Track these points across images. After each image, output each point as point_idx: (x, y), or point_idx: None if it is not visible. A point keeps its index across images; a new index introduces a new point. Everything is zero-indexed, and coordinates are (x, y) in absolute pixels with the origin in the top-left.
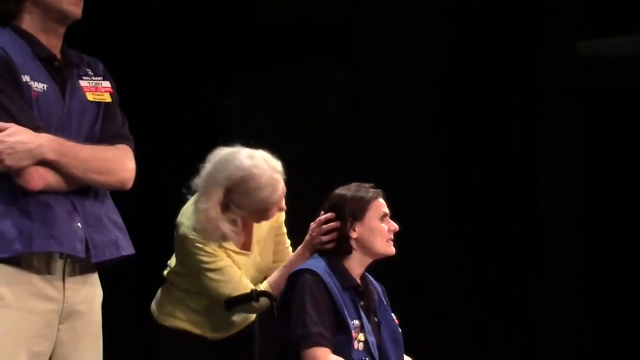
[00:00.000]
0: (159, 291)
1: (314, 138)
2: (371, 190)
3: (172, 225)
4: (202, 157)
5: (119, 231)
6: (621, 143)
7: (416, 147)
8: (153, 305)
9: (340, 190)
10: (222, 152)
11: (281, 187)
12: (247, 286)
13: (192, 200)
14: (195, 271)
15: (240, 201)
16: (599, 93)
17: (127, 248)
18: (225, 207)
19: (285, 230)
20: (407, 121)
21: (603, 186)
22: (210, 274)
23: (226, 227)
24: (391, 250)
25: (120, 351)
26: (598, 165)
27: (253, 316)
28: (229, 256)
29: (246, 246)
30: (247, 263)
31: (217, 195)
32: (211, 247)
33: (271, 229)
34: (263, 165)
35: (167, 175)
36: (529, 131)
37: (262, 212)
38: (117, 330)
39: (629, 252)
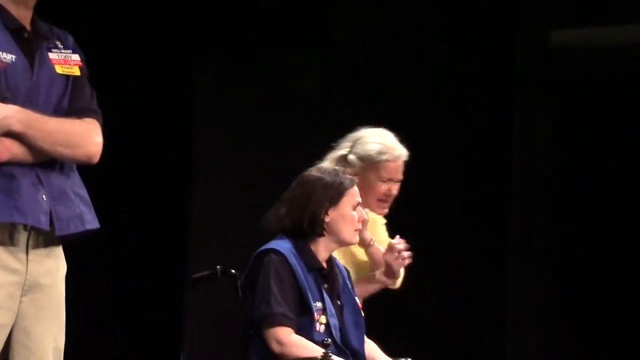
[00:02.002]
0: None
1: (288, 121)
2: (348, 177)
3: (137, 201)
4: (173, 138)
5: (84, 205)
6: (593, 134)
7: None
8: None
9: (317, 172)
10: None
11: (395, 155)
12: None
13: None
14: None
15: (357, 149)
16: (572, 85)
17: (91, 222)
18: (343, 158)
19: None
20: (382, 105)
21: (574, 178)
22: None
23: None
24: (356, 239)
25: (84, 325)
26: (569, 156)
27: None
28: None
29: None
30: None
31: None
32: None
33: None
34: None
35: (135, 152)
36: (501, 122)
37: (372, 169)
38: (81, 305)
39: (600, 245)
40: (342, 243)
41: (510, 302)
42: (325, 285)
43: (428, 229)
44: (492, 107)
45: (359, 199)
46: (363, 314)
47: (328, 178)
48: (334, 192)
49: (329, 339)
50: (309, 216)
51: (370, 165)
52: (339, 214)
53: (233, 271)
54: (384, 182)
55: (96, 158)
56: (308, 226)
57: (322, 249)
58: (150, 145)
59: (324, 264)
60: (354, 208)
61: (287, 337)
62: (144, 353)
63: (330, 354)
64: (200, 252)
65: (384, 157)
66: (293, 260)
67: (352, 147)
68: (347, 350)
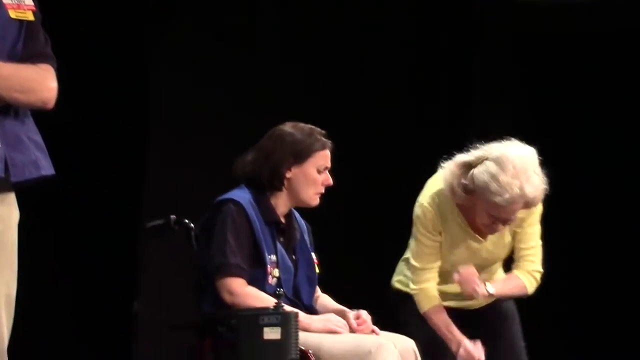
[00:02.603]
0: None
1: (247, 68)
2: (322, 139)
3: (92, 149)
4: (128, 86)
5: (39, 151)
6: (557, 88)
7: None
8: None
9: (291, 128)
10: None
11: (511, 199)
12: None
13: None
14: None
15: (481, 171)
16: (535, 36)
17: (47, 168)
18: (468, 167)
19: (532, 222)
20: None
21: (536, 129)
22: (411, 240)
23: (455, 182)
24: (314, 202)
25: (36, 273)
26: (532, 108)
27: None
28: (458, 233)
29: (481, 233)
30: (478, 248)
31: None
32: (429, 225)
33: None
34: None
35: (91, 99)
36: (463, 73)
37: (482, 199)
38: (33, 253)
39: (563, 190)
40: (301, 202)
41: None
42: (282, 239)
43: (390, 171)
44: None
45: (328, 164)
46: (318, 271)
47: (299, 135)
48: (301, 150)
49: (281, 289)
50: (270, 169)
51: (482, 194)
52: (301, 172)
53: (186, 220)
54: (489, 216)
55: (51, 104)
56: (267, 179)
57: (281, 204)
58: (106, 93)
59: (282, 219)
60: (321, 171)
61: (239, 287)
62: (97, 302)
63: (283, 304)
64: (155, 201)
65: (498, 199)
66: (251, 211)
67: (481, 162)
68: (299, 303)
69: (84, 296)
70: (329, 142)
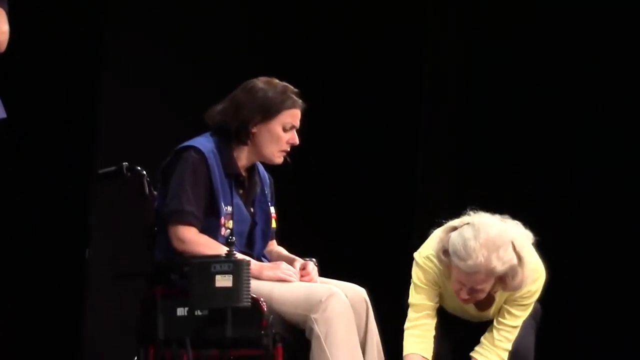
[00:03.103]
0: None
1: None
2: (294, 97)
3: (43, 92)
4: (80, 28)
5: None
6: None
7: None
8: None
9: (265, 84)
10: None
11: (474, 266)
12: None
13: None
14: None
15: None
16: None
17: None
18: (452, 230)
19: (523, 307)
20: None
21: (486, 97)
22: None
23: (438, 246)
24: (278, 160)
25: None
26: (482, 71)
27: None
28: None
29: (484, 307)
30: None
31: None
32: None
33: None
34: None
35: (41, 40)
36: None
37: (454, 272)
38: None
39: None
40: (263, 158)
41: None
42: (241, 191)
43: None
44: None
45: (296, 123)
46: (274, 225)
47: (271, 92)
48: (270, 107)
49: (234, 238)
50: (238, 123)
51: (451, 257)
52: (267, 129)
53: (139, 168)
54: (458, 282)
55: (3, 46)
56: (234, 132)
57: (244, 156)
58: (59, 35)
59: (244, 171)
60: (287, 130)
61: (190, 235)
62: (49, 248)
63: (235, 252)
64: (109, 148)
65: (461, 264)
66: (212, 160)
67: (462, 226)
68: (251, 254)
69: (34, 243)
70: (300, 102)
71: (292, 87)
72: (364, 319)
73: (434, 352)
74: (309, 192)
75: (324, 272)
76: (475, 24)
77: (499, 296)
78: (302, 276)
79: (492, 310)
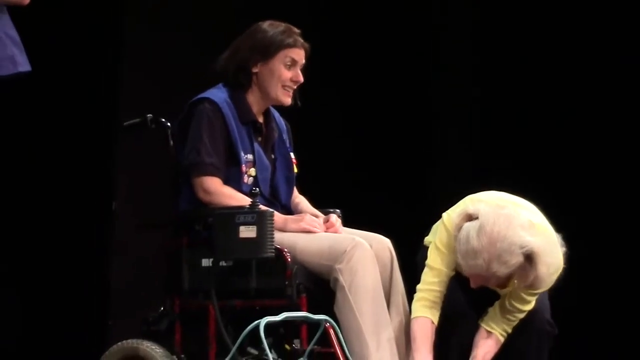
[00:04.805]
0: None
1: None
2: (296, 37)
3: (70, 44)
4: None
5: (15, 47)
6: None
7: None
8: None
9: (268, 26)
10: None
11: (474, 267)
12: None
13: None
14: None
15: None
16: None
17: (24, 64)
18: (467, 219)
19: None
20: None
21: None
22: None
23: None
24: (285, 99)
25: (13, 170)
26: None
27: None
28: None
29: (500, 287)
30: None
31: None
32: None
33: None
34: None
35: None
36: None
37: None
38: (7, 154)
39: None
40: (271, 100)
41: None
42: (259, 139)
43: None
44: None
45: (300, 60)
46: (296, 171)
47: (271, 32)
48: (269, 45)
49: (257, 189)
50: (238, 66)
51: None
52: (268, 68)
53: (163, 120)
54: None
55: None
56: (233, 74)
57: (255, 101)
58: None
59: (260, 117)
60: (289, 67)
61: (215, 186)
62: (75, 203)
63: (258, 203)
64: (132, 101)
65: (462, 262)
66: (226, 110)
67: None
68: (276, 202)
69: (61, 196)
70: (301, 41)
71: (295, 28)
72: (389, 269)
73: (447, 298)
74: (332, 141)
75: (348, 223)
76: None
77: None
78: (326, 228)
79: (509, 287)
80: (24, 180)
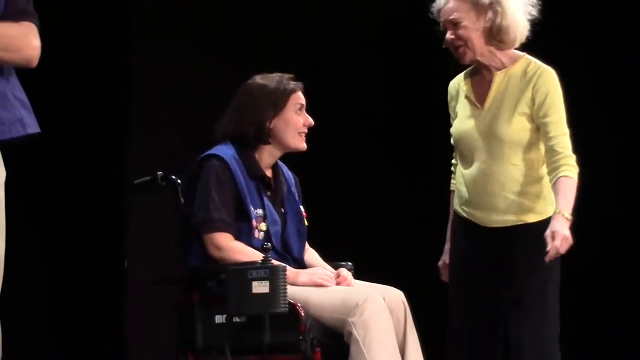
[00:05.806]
0: None
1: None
2: (292, 82)
3: (78, 105)
4: (112, 42)
5: (24, 109)
6: None
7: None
8: None
9: (261, 80)
10: None
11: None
12: None
13: None
14: None
15: None
16: None
17: (32, 126)
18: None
19: (549, 112)
20: None
21: None
22: None
23: None
24: (302, 145)
25: (23, 232)
26: None
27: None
28: (464, 105)
29: (480, 98)
30: (476, 116)
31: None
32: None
33: (527, 92)
34: None
35: (74, 58)
36: None
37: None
38: (20, 211)
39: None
40: (288, 149)
41: None
42: (268, 193)
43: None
44: None
45: (303, 102)
46: (306, 224)
47: (271, 85)
48: (277, 99)
49: (269, 244)
50: (255, 126)
51: None
52: (282, 120)
53: (173, 177)
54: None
55: (35, 62)
56: (255, 135)
57: (267, 156)
58: (90, 50)
59: (268, 172)
60: (298, 112)
61: (226, 242)
62: (87, 261)
63: (270, 258)
64: (141, 159)
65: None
66: (235, 166)
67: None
68: (288, 256)
69: (73, 255)
70: (299, 84)
71: (286, 75)
72: (403, 322)
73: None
74: (340, 194)
75: (359, 276)
76: None
77: (496, 88)
78: (338, 283)
79: (513, 120)
80: (36, 241)
